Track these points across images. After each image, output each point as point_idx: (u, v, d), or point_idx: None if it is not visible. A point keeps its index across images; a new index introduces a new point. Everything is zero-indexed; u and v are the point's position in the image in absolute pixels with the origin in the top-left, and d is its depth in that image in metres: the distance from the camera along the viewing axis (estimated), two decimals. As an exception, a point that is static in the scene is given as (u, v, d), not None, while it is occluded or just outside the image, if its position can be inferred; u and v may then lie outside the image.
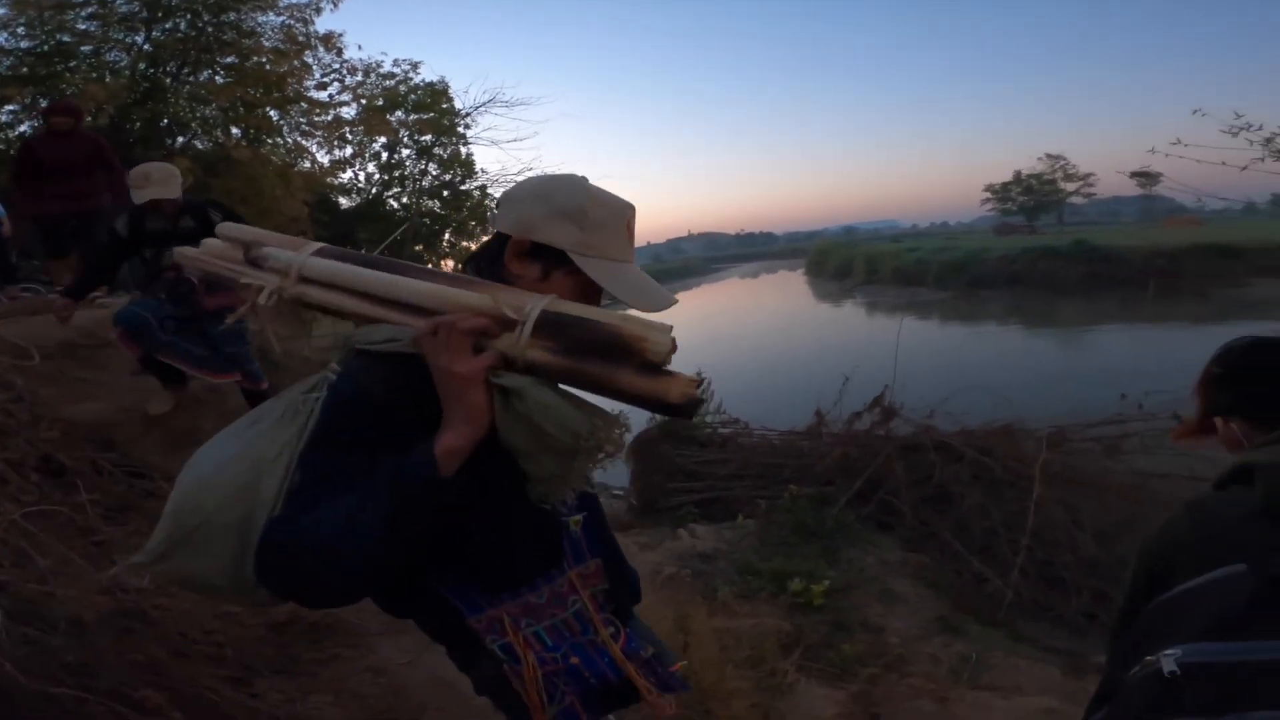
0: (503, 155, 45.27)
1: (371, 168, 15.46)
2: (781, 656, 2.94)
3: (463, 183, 16.45)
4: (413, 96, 15.02)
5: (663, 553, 5.05)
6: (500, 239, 0.93)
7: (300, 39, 10.97)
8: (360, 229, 14.74)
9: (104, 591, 1.88)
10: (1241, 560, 0.75)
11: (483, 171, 16.68)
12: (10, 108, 9.16)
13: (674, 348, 0.77)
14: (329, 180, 13.55)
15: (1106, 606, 4.57)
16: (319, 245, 0.94)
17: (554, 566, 0.94)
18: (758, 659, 2.82)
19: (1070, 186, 59.44)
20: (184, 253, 1.00)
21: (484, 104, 15.87)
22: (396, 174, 15.84)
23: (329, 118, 12.36)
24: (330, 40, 11.57)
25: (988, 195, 61.34)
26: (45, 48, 9.50)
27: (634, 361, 0.76)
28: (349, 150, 14.21)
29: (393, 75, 14.43)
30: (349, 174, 14.99)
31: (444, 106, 15.48)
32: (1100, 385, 8.08)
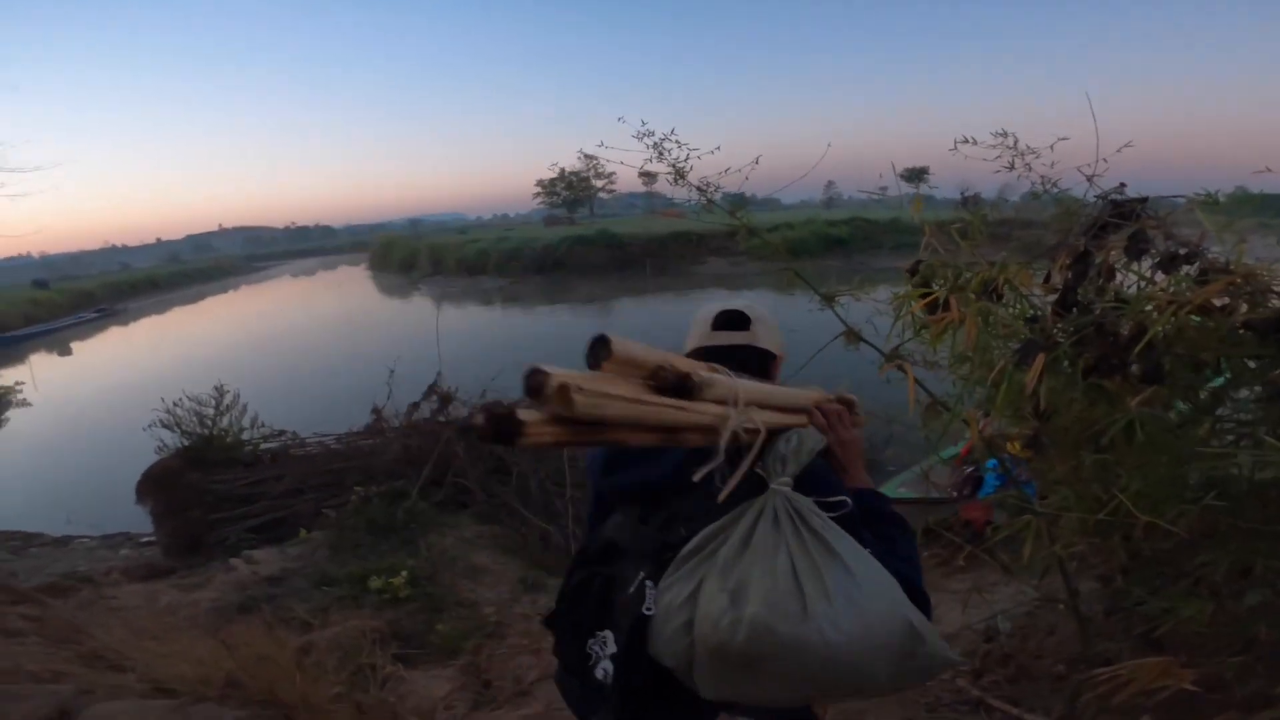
0: None
1: None
2: (379, 653, 2.87)
3: None
4: None
5: (217, 587, 4.39)
6: (756, 352, 1.16)
7: None
8: None
9: None
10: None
11: None
12: None
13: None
14: None
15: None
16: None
17: None
18: (351, 661, 2.71)
19: (599, 183, 70.51)
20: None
21: None
22: None
23: None
24: None
25: (538, 190, 67.08)
26: None
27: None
28: None
29: None
30: None
31: None
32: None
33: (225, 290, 49.42)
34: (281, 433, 5.94)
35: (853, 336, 1.75)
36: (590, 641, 0.96)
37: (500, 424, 0.68)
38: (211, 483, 5.37)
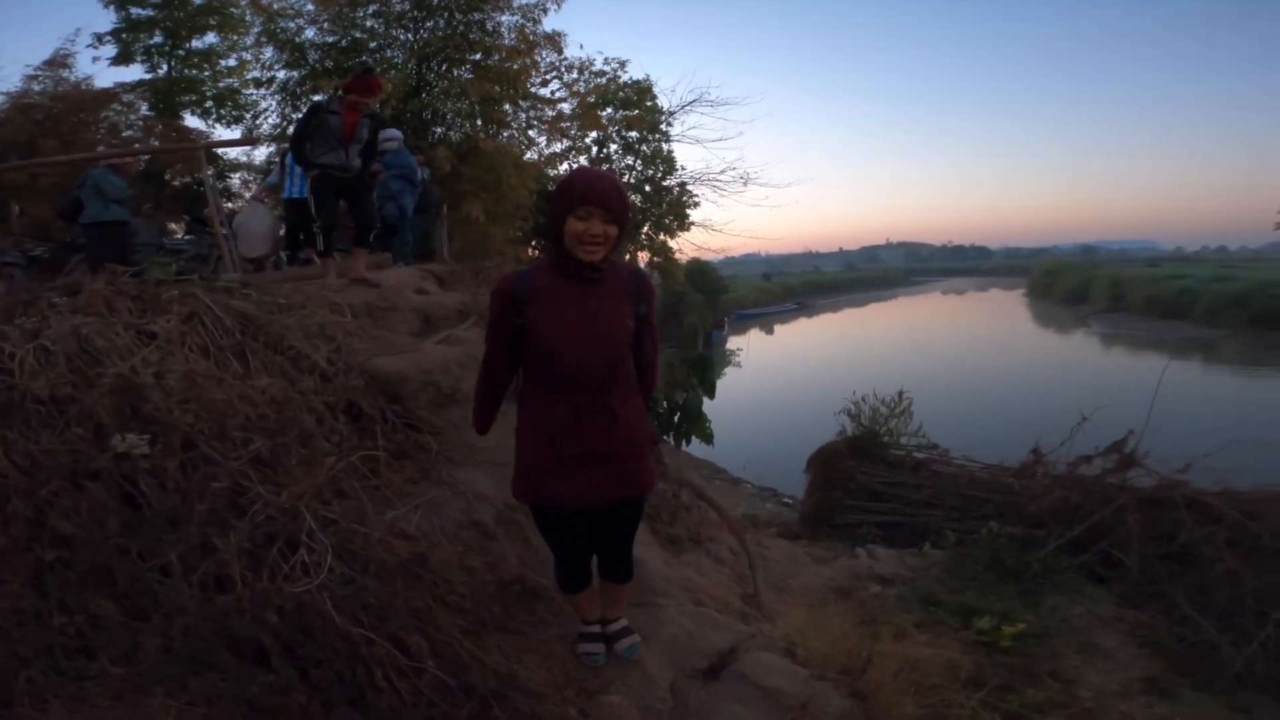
0: (706, 154, 46.35)
1: (583, 160, 16.27)
2: (960, 691, 2.71)
3: (663, 179, 16.88)
4: (620, 94, 15.50)
5: (838, 569, 4.90)
6: None
7: (531, 38, 11.44)
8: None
9: (399, 535, 2.10)
10: None
11: (683, 169, 17.04)
12: (318, 97, 10.84)
13: None
14: (548, 171, 14.39)
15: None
16: None
17: None
18: (936, 689, 2.61)
19: None
20: None
21: (689, 103, 16.15)
22: (605, 168, 16.55)
23: (552, 113, 12.90)
24: (553, 39, 11.91)
25: (1286, 218, 49.39)
26: (344, 43, 11.13)
27: None
28: (562, 144, 14.83)
29: (603, 73, 14.93)
30: (564, 166, 15.86)
31: (648, 104, 15.86)
32: None
33: (885, 299, 55.09)
34: (934, 446, 6.11)
35: None
36: None
37: None
38: (859, 471, 5.94)
